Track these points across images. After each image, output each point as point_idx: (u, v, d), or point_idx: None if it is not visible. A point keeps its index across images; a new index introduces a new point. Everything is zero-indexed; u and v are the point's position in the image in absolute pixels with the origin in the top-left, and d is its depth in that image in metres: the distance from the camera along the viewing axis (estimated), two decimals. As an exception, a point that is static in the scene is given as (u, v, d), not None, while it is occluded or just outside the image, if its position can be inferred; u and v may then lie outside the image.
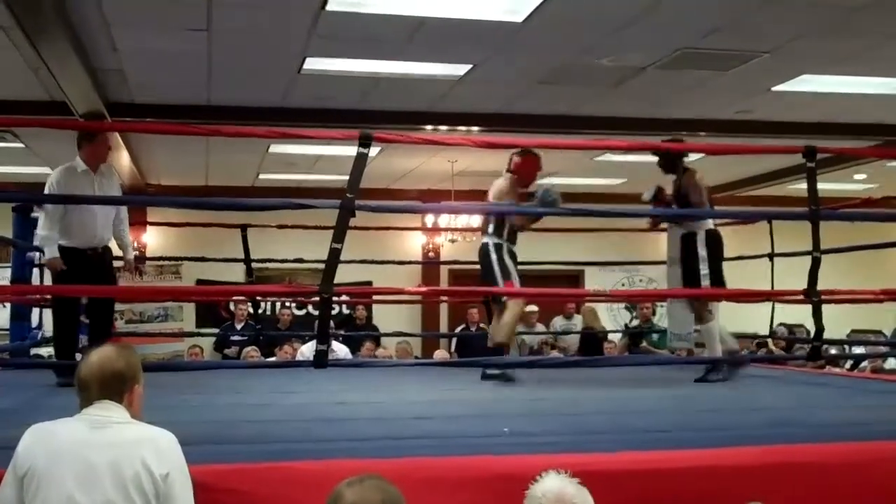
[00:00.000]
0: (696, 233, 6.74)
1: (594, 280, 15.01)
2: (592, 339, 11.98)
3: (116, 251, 6.76)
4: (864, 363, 10.24)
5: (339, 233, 4.00)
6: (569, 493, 2.87)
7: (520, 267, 7.17)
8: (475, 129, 10.27)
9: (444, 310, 15.16)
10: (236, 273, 9.75)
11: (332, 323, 10.16)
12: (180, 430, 2.99)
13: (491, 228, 6.96)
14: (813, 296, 4.69)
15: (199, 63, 8.23)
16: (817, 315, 4.76)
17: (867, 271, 12.17)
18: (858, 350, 11.01)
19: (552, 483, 2.91)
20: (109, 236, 6.52)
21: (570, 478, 2.93)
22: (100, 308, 6.49)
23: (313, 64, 8.28)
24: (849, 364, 10.90)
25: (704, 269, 6.60)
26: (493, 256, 6.85)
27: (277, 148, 11.59)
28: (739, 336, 9.81)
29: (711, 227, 6.81)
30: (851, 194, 12.98)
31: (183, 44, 7.64)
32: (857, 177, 13.95)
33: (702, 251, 6.66)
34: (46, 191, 6.23)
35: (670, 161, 6.92)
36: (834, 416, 5.14)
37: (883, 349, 10.77)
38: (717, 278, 6.65)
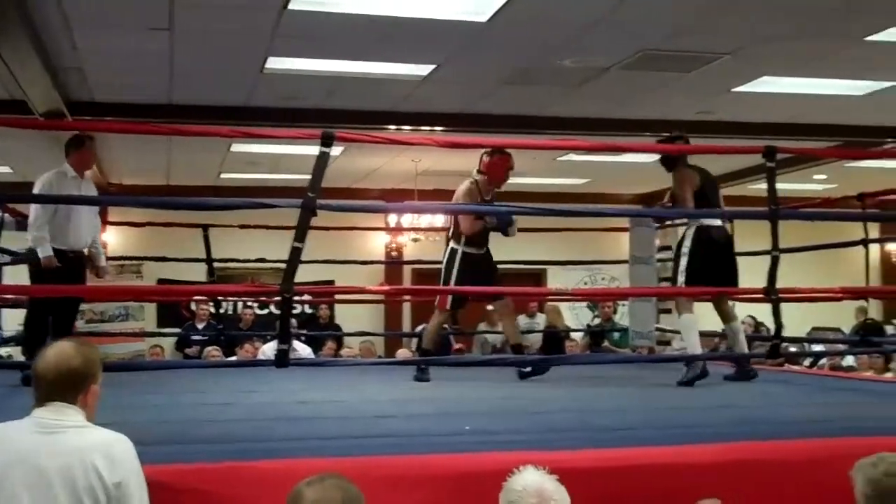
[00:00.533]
0: (687, 229, 6.71)
1: (556, 279, 15.07)
2: (555, 338, 12.02)
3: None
4: (823, 360, 10.36)
5: (301, 232, 3.99)
6: (549, 490, 2.83)
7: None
8: (439, 129, 10.29)
9: (406, 309, 15.15)
10: (198, 273, 9.73)
11: (294, 322, 10.19)
12: (140, 431, 2.97)
13: (450, 232, 7.01)
14: (772, 294, 4.73)
15: (160, 62, 8.18)
16: (776, 313, 4.81)
17: (827, 270, 12.29)
18: (817, 348, 11.12)
19: (532, 478, 2.86)
20: (90, 240, 6.66)
21: (549, 474, 2.89)
22: (67, 307, 6.59)
23: (276, 63, 8.26)
24: (808, 361, 11.03)
25: (681, 266, 6.56)
26: (444, 263, 6.97)
27: (240, 147, 11.54)
28: (702, 334, 9.87)
29: (704, 224, 6.61)
30: (811, 194, 13.12)
31: (144, 43, 7.59)
32: (816, 177, 14.10)
33: (684, 248, 6.61)
34: (37, 193, 6.37)
35: (668, 160, 6.84)
36: (795, 413, 5.19)
37: (841, 347, 10.86)
38: (694, 276, 6.48)
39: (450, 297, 6.87)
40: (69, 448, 2.80)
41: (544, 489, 2.83)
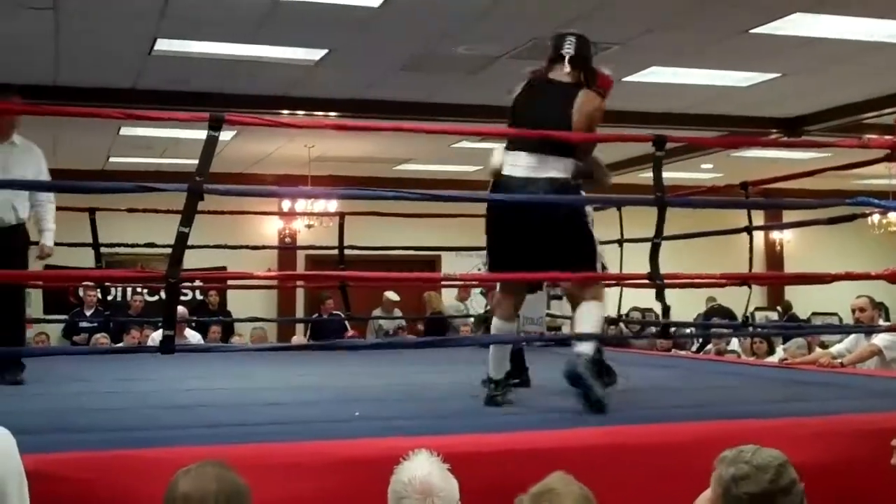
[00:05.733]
0: None
1: (450, 265, 15.11)
2: (439, 323, 12.10)
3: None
4: (709, 346, 10.61)
5: (187, 217, 3.92)
6: (435, 485, 2.75)
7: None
8: (333, 114, 10.24)
9: (300, 295, 15.06)
10: (87, 258, 9.53)
11: (185, 310, 10.02)
12: (20, 419, 2.89)
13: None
14: (656, 278, 4.80)
15: (45, 43, 7.98)
16: (661, 296, 4.86)
17: (715, 258, 12.56)
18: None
19: (420, 469, 2.79)
20: (15, 216, 5.82)
21: (441, 463, 2.82)
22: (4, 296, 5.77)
23: (165, 45, 8.13)
24: (695, 346, 11.29)
25: None
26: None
27: (129, 131, 11.32)
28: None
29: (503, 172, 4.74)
30: (698, 183, 13.41)
31: (28, 23, 7.40)
32: (703, 166, 14.42)
33: None
34: None
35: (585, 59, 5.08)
36: (679, 398, 5.31)
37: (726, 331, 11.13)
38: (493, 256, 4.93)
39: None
40: None
41: (430, 484, 2.75)
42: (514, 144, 4.67)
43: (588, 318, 4.56)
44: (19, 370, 5.61)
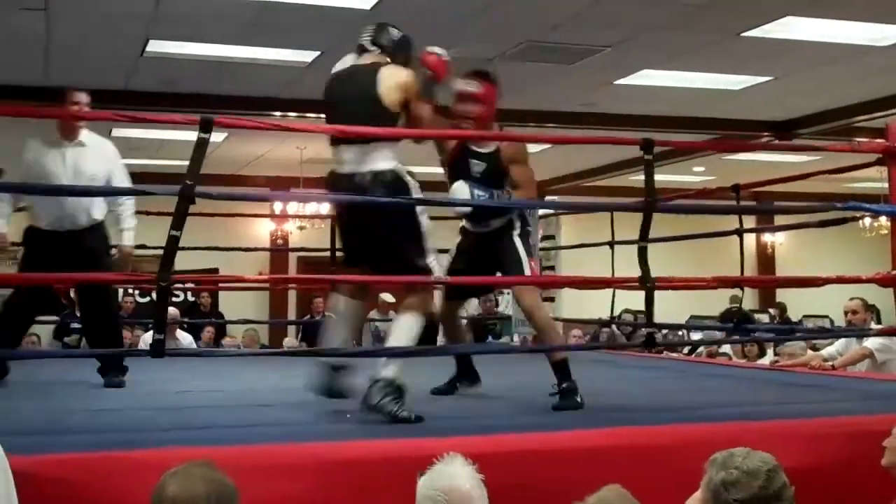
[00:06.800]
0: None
1: (441, 267, 15.08)
2: (430, 325, 12.02)
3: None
4: (701, 349, 10.61)
5: (178, 220, 3.90)
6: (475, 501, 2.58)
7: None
8: (325, 116, 10.20)
9: (292, 297, 15.05)
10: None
11: (177, 311, 9.99)
12: (9, 420, 2.88)
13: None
14: (647, 282, 4.77)
15: (36, 43, 7.96)
16: (649, 301, 4.83)
17: (706, 260, 12.57)
18: (695, 335, 11.37)
19: (462, 481, 2.61)
20: (88, 217, 5.58)
21: (477, 473, 2.65)
22: (87, 298, 5.80)
23: (157, 46, 8.12)
24: (687, 349, 11.28)
25: None
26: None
27: (120, 132, 11.26)
28: (584, 322, 9.99)
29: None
30: (690, 185, 13.41)
31: (19, 22, 7.38)
32: (695, 169, 14.43)
33: None
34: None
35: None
36: (670, 399, 5.31)
37: (717, 334, 11.12)
38: None
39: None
40: None
41: (470, 501, 2.58)
42: (334, 139, 4.59)
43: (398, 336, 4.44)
44: (121, 371, 5.65)
